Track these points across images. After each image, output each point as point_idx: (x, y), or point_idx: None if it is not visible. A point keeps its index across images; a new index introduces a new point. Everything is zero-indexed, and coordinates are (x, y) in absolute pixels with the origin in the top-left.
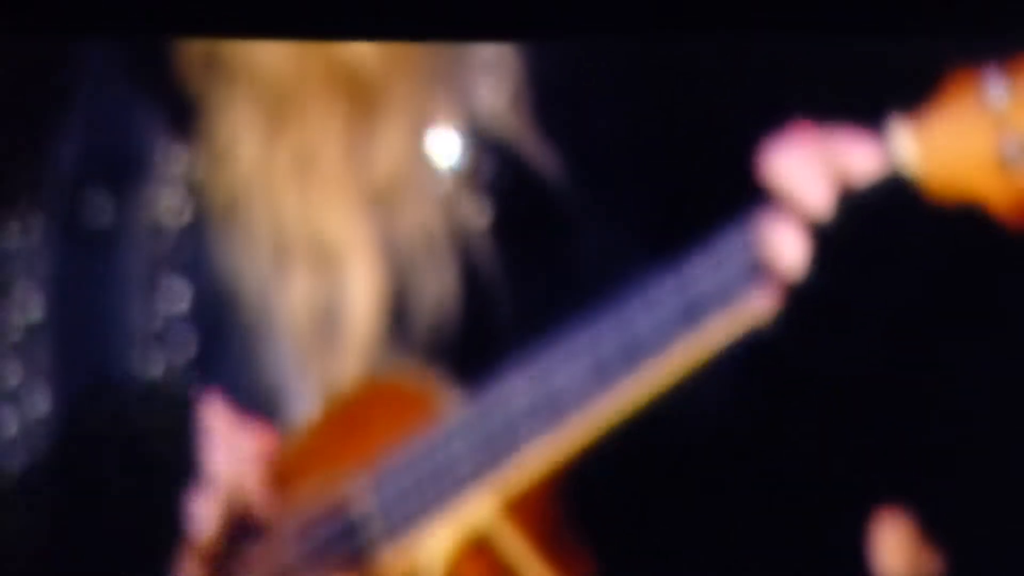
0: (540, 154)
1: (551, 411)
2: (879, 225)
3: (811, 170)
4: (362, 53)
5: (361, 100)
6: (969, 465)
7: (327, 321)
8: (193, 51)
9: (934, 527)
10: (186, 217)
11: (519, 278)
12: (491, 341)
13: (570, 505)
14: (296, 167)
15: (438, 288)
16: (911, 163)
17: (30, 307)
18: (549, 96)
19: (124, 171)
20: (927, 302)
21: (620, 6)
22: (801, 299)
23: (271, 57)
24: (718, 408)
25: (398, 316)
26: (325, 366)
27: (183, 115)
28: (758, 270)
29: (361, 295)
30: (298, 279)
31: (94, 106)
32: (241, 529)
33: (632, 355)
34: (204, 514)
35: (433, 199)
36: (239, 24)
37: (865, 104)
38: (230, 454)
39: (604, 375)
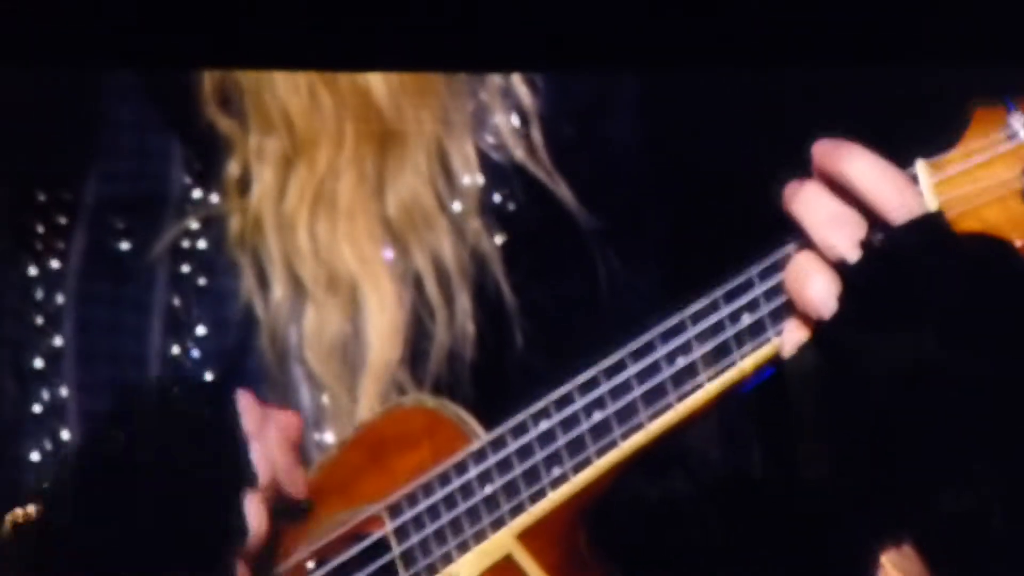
0: (555, 183)
1: (575, 447)
2: (905, 263)
3: (836, 209)
4: (377, 84)
5: (376, 131)
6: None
7: (346, 351)
8: (212, 84)
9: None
10: (206, 245)
11: (535, 306)
12: (508, 370)
13: (590, 531)
14: (312, 199)
15: (455, 317)
16: (934, 197)
17: (54, 332)
18: (564, 125)
19: (148, 200)
20: (954, 340)
21: (634, 37)
22: (830, 337)
23: (287, 90)
24: (738, 441)
25: (415, 345)
26: (344, 395)
27: (204, 147)
28: (786, 309)
29: (379, 325)
30: (315, 309)
31: (120, 136)
32: (287, 517)
33: (659, 396)
34: (252, 513)
35: (449, 228)
36: (258, 56)
37: (890, 136)
38: (264, 450)
39: (629, 415)
